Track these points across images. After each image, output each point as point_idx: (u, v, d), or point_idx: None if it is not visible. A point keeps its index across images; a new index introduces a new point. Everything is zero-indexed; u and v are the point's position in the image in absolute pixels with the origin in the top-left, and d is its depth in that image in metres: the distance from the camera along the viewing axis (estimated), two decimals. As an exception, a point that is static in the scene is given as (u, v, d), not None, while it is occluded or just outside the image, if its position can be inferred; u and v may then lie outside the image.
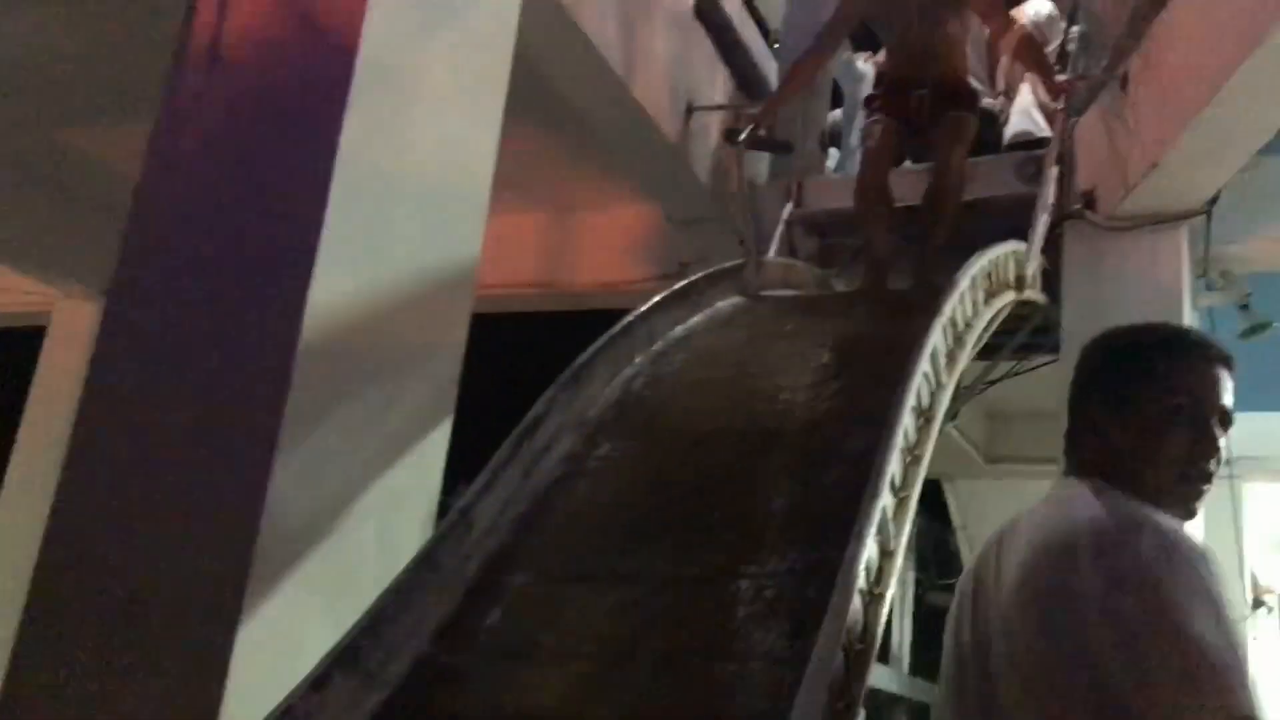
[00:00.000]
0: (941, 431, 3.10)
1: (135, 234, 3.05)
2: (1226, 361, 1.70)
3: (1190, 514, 1.65)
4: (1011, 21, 4.80)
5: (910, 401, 2.54)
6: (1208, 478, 1.64)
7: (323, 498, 2.80)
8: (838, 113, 6.78)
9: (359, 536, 2.90)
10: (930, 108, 4.50)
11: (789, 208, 5.32)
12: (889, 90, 4.77)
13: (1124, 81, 4.43)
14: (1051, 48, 5.91)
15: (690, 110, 5.44)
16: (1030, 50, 4.70)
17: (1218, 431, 1.63)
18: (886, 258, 4.41)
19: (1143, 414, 1.64)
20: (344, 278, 2.87)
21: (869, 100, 5.02)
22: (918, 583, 9.30)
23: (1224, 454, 1.66)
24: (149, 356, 2.90)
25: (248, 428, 2.71)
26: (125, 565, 2.65)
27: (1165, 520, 1.49)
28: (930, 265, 4.29)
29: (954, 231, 4.40)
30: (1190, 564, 1.40)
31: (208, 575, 2.58)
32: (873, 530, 2.12)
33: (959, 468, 7.81)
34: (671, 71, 5.26)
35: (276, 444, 2.65)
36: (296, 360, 2.72)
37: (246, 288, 2.86)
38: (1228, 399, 1.66)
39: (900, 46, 4.68)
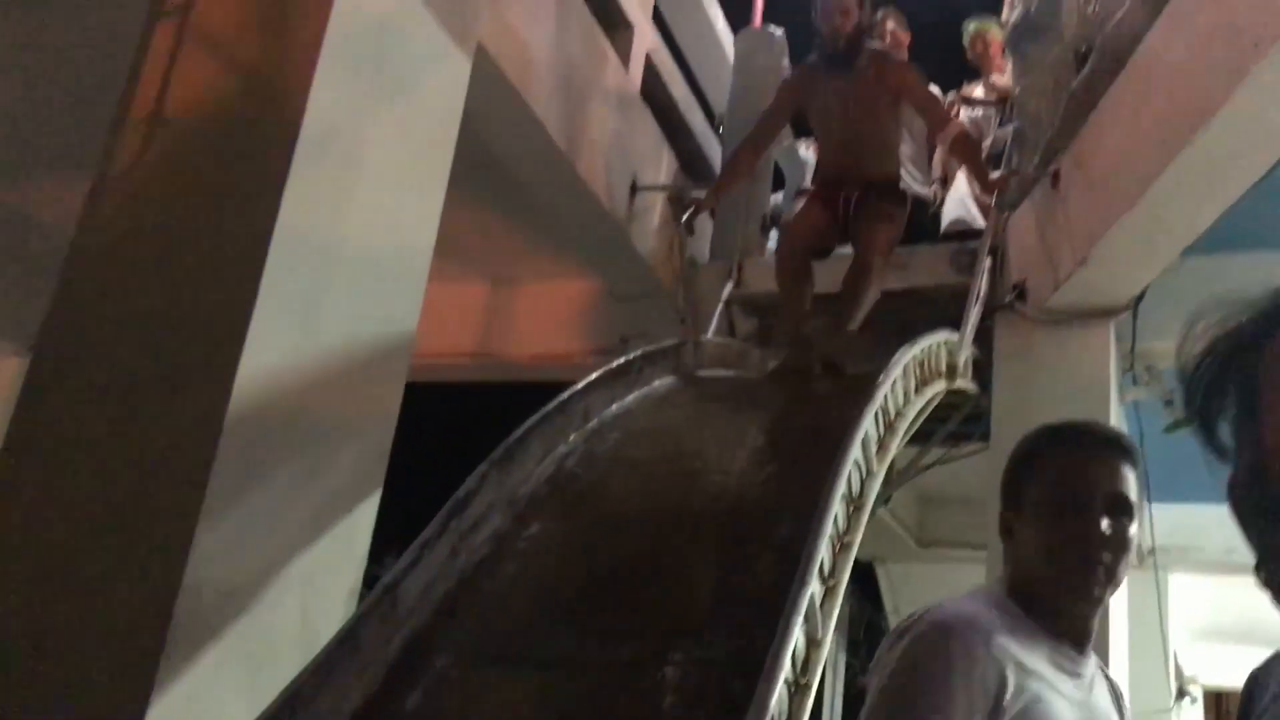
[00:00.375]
0: (874, 515, 3.12)
1: (66, 291, 3.01)
2: (1115, 447, 1.65)
3: (1092, 602, 1.59)
4: (950, 118, 4.90)
5: (841, 489, 2.56)
6: (1100, 565, 1.57)
7: (244, 570, 2.75)
8: (779, 196, 6.91)
9: (280, 611, 2.84)
10: (857, 206, 4.45)
11: (729, 288, 5.38)
12: (820, 185, 4.77)
13: (1055, 179, 4.56)
14: (986, 142, 6.10)
15: (634, 189, 5.51)
16: (966, 147, 4.80)
17: (1104, 519, 1.57)
18: (807, 332, 4.38)
19: (1032, 509, 1.64)
20: (277, 347, 2.84)
21: (799, 194, 5.07)
22: (849, 666, 9.26)
23: (1130, 541, 1.59)
24: (72, 417, 2.84)
25: (170, 495, 2.65)
26: (33, 634, 2.56)
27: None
28: (837, 340, 4.24)
29: (868, 315, 4.35)
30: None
31: (119, 648, 2.51)
32: (800, 620, 2.13)
33: (891, 550, 7.84)
34: (617, 150, 5.33)
35: (199, 513, 2.60)
36: (224, 428, 2.68)
37: (177, 353, 2.82)
38: (1118, 485, 1.60)
39: (831, 145, 4.69)
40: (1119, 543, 1.58)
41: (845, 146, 4.56)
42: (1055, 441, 1.69)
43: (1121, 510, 1.59)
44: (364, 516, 3.13)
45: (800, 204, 4.80)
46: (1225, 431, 0.88)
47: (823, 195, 4.62)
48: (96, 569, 2.60)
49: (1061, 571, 1.58)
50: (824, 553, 2.35)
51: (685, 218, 4.76)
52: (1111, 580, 1.58)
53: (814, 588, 2.26)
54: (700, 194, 5.00)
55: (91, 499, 2.70)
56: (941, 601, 1.57)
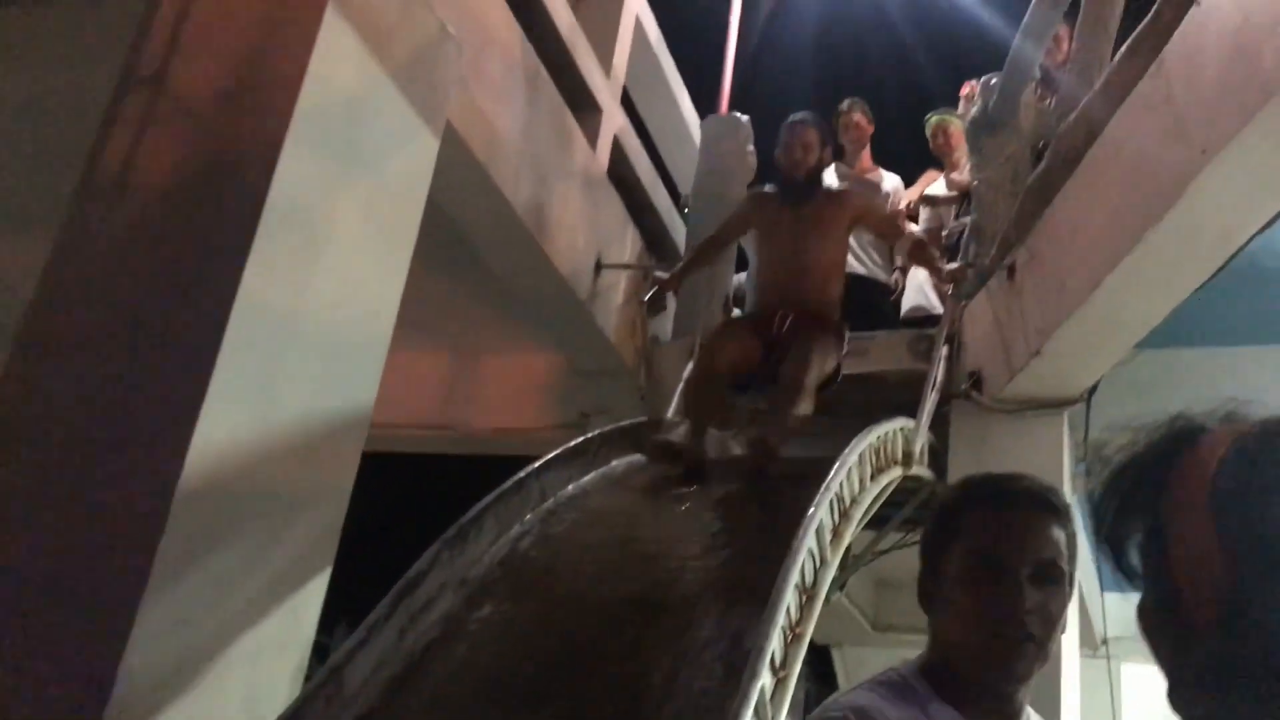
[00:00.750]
0: (829, 599, 3.12)
1: (22, 353, 2.97)
2: (1042, 505, 1.49)
3: (1017, 680, 1.44)
4: (904, 229, 4.90)
5: (794, 579, 2.56)
6: (1026, 641, 1.42)
7: (188, 648, 2.69)
8: (742, 276, 6.98)
9: (224, 689, 2.78)
10: (791, 330, 4.20)
11: (690, 367, 5.40)
12: (753, 312, 4.51)
13: (1011, 271, 4.65)
14: (945, 232, 6.23)
15: (599, 267, 5.56)
16: (922, 252, 4.79)
17: (1030, 588, 1.42)
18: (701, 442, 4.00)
19: (951, 575, 1.49)
20: (233, 418, 2.82)
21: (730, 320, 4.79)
22: (802, 750, 9.16)
23: (1060, 611, 1.45)
24: (20, 482, 2.79)
25: (115, 569, 2.60)
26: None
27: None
28: (772, 423, 3.92)
29: (826, 398, 4.17)
30: None
31: (54, 727, 2.44)
32: (749, 713, 2.11)
33: (847, 634, 7.82)
34: (582, 228, 5.39)
35: (145, 588, 2.55)
36: (175, 499, 2.65)
37: (130, 422, 2.79)
38: (1045, 550, 1.45)
39: (774, 271, 4.46)
40: (1047, 614, 1.43)
41: (790, 275, 4.37)
42: (976, 499, 1.54)
43: (1050, 578, 1.44)
44: (313, 593, 3.08)
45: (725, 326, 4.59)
46: (1134, 555, 0.90)
47: (754, 321, 4.39)
48: (34, 644, 2.54)
49: (983, 647, 1.43)
50: (775, 644, 2.34)
51: (648, 297, 4.78)
52: (1039, 656, 1.43)
53: (764, 679, 2.25)
54: (664, 274, 5.05)
55: (34, 569, 2.65)
56: (846, 698, 1.47)
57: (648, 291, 4.92)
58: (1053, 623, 1.44)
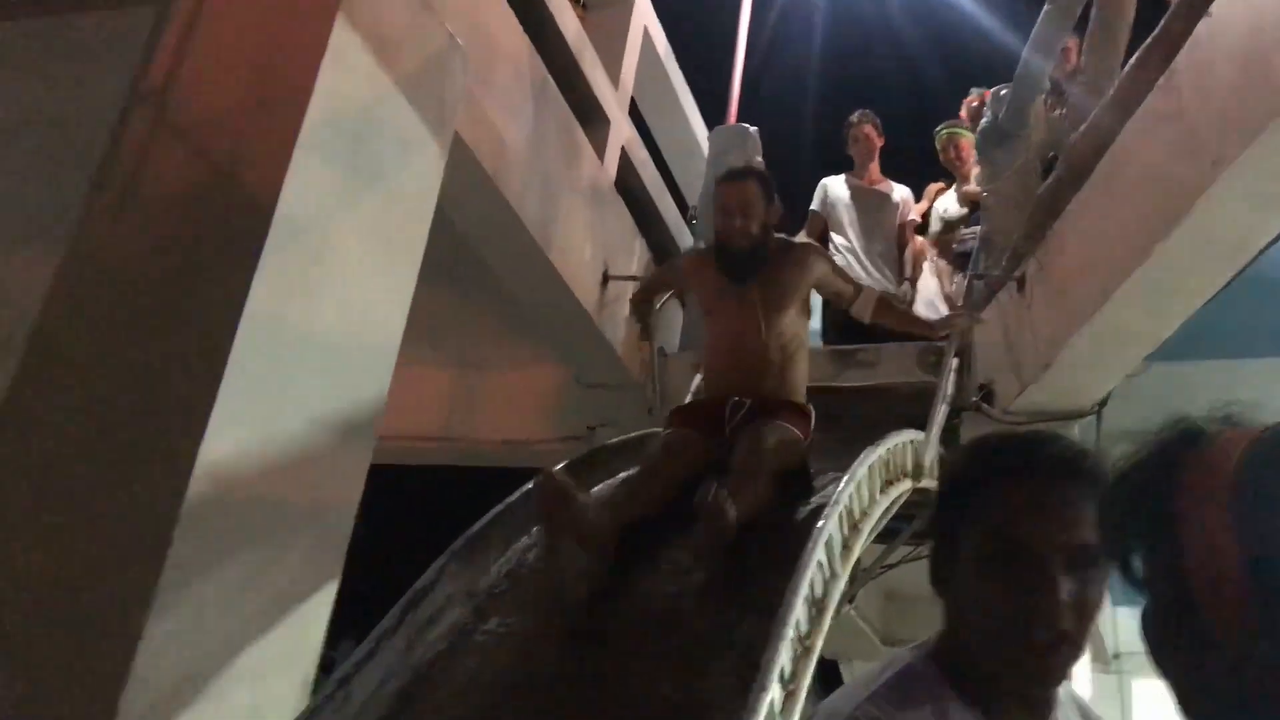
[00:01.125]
0: (838, 613, 3.10)
1: (29, 366, 2.97)
2: (1075, 475, 1.26)
3: (1048, 683, 1.27)
4: (857, 289, 4.14)
5: (803, 591, 2.54)
6: (1061, 643, 1.22)
7: (195, 660, 2.68)
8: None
9: (231, 702, 2.76)
10: (748, 414, 3.57)
11: (698, 379, 5.38)
12: (708, 397, 3.84)
13: (1021, 283, 4.63)
14: (962, 241, 6.24)
15: (606, 278, 5.56)
16: (888, 311, 4.29)
17: (1065, 580, 1.21)
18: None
19: (969, 559, 1.28)
20: (239, 432, 2.81)
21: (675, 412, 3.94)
22: (811, 764, 9.10)
23: (1099, 600, 1.24)
24: (27, 495, 2.79)
25: (123, 581, 2.60)
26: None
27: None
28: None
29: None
30: None
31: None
32: (758, 727, 2.09)
33: (856, 648, 7.79)
34: (590, 240, 5.39)
35: (152, 600, 2.55)
36: (182, 512, 2.64)
37: (138, 435, 2.78)
38: (1082, 533, 1.22)
39: (723, 358, 3.81)
40: (1084, 607, 1.22)
41: (743, 364, 3.71)
42: (1000, 467, 1.31)
43: (1087, 563, 1.22)
44: (320, 606, 3.07)
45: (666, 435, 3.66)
46: (1138, 564, 0.88)
47: (706, 413, 3.68)
48: (40, 656, 2.53)
49: (1009, 649, 1.24)
50: (784, 657, 2.33)
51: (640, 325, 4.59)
52: (1076, 654, 1.24)
53: (774, 693, 2.23)
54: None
55: (41, 581, 2.64)
56: (844, 699, 1.32)
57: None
58: (1090, 615, 1.23)
